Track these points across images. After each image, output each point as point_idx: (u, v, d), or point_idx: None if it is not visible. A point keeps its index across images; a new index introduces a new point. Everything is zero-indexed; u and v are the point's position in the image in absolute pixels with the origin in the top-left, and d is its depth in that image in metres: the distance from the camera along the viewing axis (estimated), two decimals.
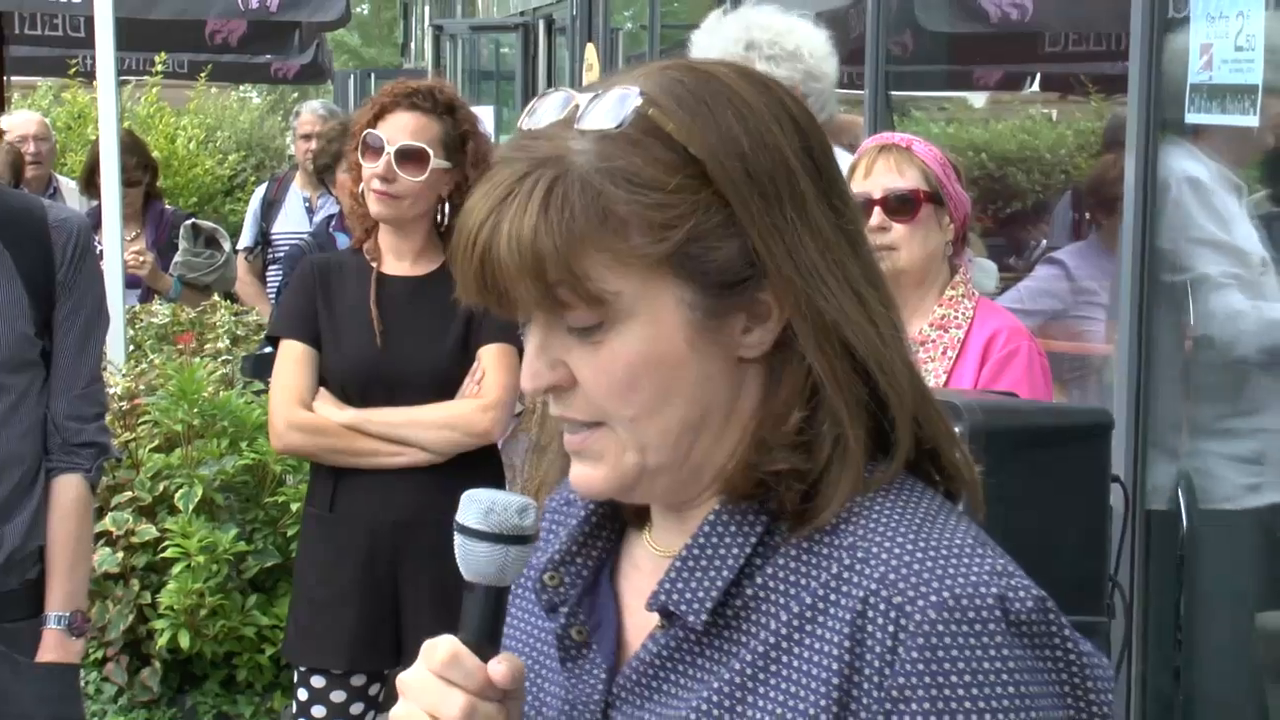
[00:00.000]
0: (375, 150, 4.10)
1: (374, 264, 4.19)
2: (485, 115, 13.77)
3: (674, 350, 1.39)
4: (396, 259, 4.20)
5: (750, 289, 1.39)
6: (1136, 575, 4.43)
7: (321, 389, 4.15)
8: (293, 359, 4.16)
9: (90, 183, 7.53)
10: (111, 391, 5.15)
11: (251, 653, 4.85)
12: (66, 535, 3.42)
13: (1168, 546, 4.69)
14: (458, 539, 1.44)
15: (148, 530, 4.83)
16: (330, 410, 4.12)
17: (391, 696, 4.38)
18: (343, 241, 5.70)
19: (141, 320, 6.67)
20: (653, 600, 1.43)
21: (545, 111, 1.42)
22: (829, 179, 1.43)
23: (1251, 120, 4.00)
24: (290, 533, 4.85)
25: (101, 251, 5.99)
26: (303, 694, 4.18)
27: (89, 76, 11.71)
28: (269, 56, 13.31)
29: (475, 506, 1.43)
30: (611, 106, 1.38)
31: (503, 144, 1.46)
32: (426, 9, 19.83)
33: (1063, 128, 10.81)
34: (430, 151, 4.11)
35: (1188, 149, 4.46)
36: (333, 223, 6.80)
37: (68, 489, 3.43)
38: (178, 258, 7.68)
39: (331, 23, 11.58)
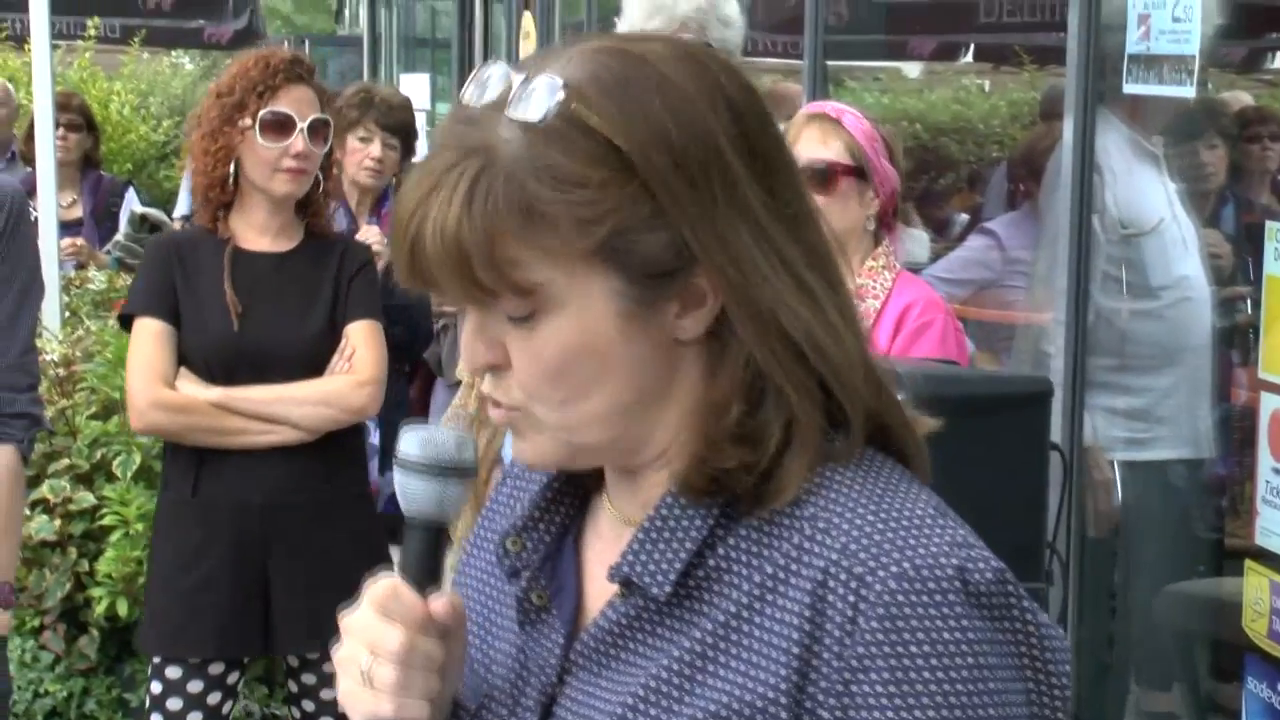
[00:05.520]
0: (285, 129, 4.00)
1: (228, 241, 4.06)
2: (420, 83, 13.71)
3: (603, 338, 1.38)
4: (257, 235, 4.09)
5: (682, 277, 1.38)
6: (1073, 542, 4.48)
7: (182, 368, 4.02)
8: (150, 336, 4.01)
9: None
10: (48, 358, 5.11)
11: None
12: None
13: (1105, 514, 4.74)
14: (396, 474, 1.45)
15: (85, 498, 4.80)
16: (196, 389, 4.00)
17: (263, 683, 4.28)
18: (342, 222, 5.49)
19: (78, 287, 6.62)
20: (615, 571, 1.43)
21: (485, 87, 1.40)
22: (766, 162, 1.41)
23: (1188, 91, 4.04)
24: None
25: (36, 218, 5.92)
26: (156, 687, 4.02)
27: (18, 41, 11.56)
28: (202, 21, 13.21)
29: (412, 439, 1.45)
30: (537, 97, 1.36)
31: (440, 125, 1.44)
32: None
33: (996, 98, 10.85)
34: (331, 123, 4.10)
35: (1107, 118, 4.50)
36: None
37: None
38: (118, 238, 7.50)
39: None
